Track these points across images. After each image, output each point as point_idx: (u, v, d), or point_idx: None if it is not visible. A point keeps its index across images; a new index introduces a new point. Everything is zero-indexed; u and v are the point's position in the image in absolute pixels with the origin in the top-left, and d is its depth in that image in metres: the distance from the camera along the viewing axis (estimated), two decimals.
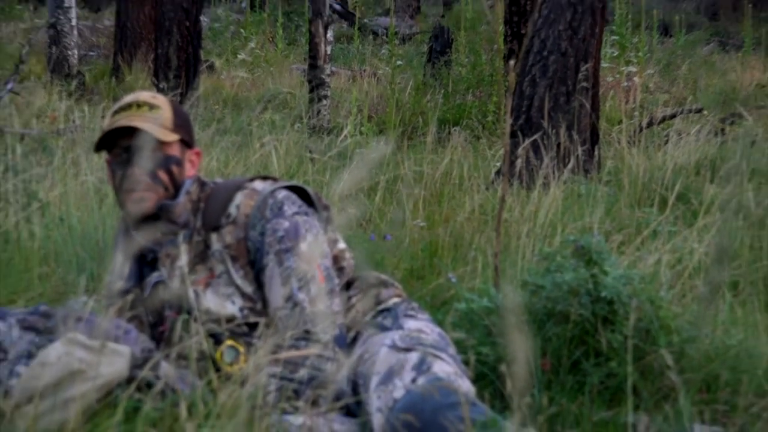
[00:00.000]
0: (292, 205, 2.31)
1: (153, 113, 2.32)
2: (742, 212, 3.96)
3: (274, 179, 2.41)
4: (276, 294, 2.23)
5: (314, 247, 2.27)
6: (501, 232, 2.84)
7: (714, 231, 3.41)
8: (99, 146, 2.36)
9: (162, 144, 2.31)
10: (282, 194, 2.32)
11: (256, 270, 2.28)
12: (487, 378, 2.31)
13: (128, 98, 2.38)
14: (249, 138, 5.58)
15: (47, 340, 2.10)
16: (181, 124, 2.39)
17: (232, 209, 2.31)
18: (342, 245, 2.46)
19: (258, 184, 2.36)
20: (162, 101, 2.38)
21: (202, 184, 2.40)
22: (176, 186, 2.35)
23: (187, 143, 2.39)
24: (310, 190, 2.42)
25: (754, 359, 2.41)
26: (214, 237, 2.31)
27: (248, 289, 2.27)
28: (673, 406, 2.14)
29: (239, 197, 2.32)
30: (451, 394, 1.92)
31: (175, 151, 2.35)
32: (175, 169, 2.34)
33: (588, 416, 2.23)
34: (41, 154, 4.47)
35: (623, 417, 2.17)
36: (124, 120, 2.29)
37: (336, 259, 2.41)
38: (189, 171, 2.39)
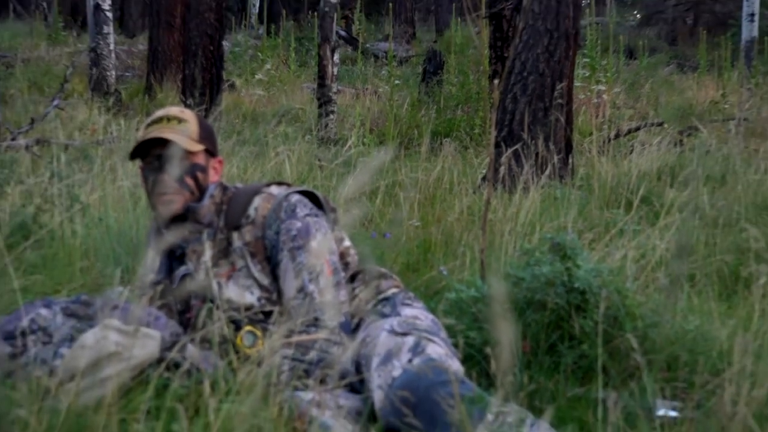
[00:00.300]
0: (304, 208, 2.31)
1: (181, 126, 2.32)
2: (698, 213, 3.96)
3: (288, 185, 2.41)
4: (289, 286, 2.23)
5: (323, 245, 2.27)
6: (486, 231, 2.83)
7: (674, 230, 3.41)
8: (133, 155, 2.36)
9: (189, 153, 2.31)
10: (295, 198, 2.32)
11: (272, 264, 2.28)
12: (475, 359, 2.31)
13: (159, 113, 2.38)
14: (265, 148, 5.58)
15: (87, 326, 2.10)
16: (206, 136, 2.38)
17: (251, 211, 2.31)
18: (347, 242, 2.46)
19: (274, 189, 2.35)
20: (189, 115, 2.37)
21: (224, 189, 2.40)
22: (201, 190, 2.34)
23: (211, 152, 2.39)
24: (319, 194, 2.41)
25: (709, 342, 2.41)
26: (235, 235, 2.30)
27: (265, 281, 2.27)
28: (638, 384, 2.13)
29: (257, 200, 2.32)
30: (442, 373, 1.92)
31: (200, 159, 2.35)
32: (200, 175, 2.34)
33: (563, 392, 2.23)
34: (83, 162, 4.48)
35: (594, 393, 2.16)
36: (156, 132, 2.29)
37: (342, 255, 2.41)
38: (213, 177, 2.38)
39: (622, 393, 2.10)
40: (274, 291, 2.27)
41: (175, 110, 2.39)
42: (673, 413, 2.00)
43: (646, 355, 2.22)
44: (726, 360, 2.20)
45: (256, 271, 2.27)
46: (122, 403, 1.80)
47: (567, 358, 2.35)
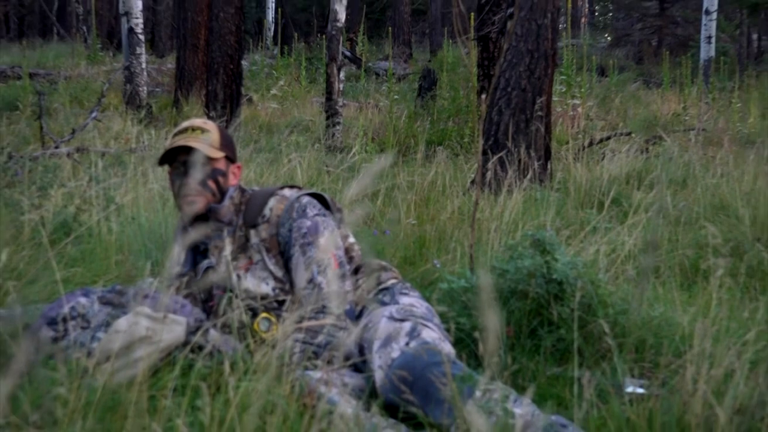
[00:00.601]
0: (313, 208, 2.30)
1: (204, 135, 2.31)
2: (663, 213, 3.96)
3: (299, 188, 2.40)
4: (300, 277, 2.22)
5: (330, 241, 2.26)
6: (475, 228, 2.82)
7: (640, 227, 3.40)
8: (162, 161, 2.35)
9: (210, 159, 2.30)
10: (305, 200, 2.31)
11: (285, 258, 2.27)
12: (464, 342, 2.30)
13: (185, 123, 2.38)
14: (279, 155, 5.57)
15: (121, 313, 2.10)
16: (226, 144, 2.38)
17: (267, 211, 2.30)
18: (351, 239, 2.45)
19: (286, 192, 2.35)
20: (211, 126, 2.37)
21: (242, 191, 2.39)
22: (222, 192, 2.34)
23: (230, 159, 2.38)
24: (327, 196, 2.41)
25: (673, 327, 2.40)
26: (252, 233, 2.30)
27: (279, 273, 2.26)
28: (609, 364, 2.13)
29: (272, 202, 2.31)
30: (436, 355, 1.91)
31: (221, 165, 2.34)
32: (221, 179, 2.33)
33: (543, 372, 2.23)
34: (117, 167, 4.47)
35: (570, 372, 2.16)
36: (182, 141, 2.29)
37: (347, 250, 2.40)
38: (232, 180, 2.38)
39: (596, 372, 2.09)
40: (286, 282, 2.27)
41: (198, 121, 2.38)
42: (640, 390, 1.99)
43: (616, 339, 2.22)
44: (687, 343, 2.19)
45: (271, 264, 2.27)
46: (152, 382, 1.79)
47: (546, 342, 2.34)
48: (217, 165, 2.32)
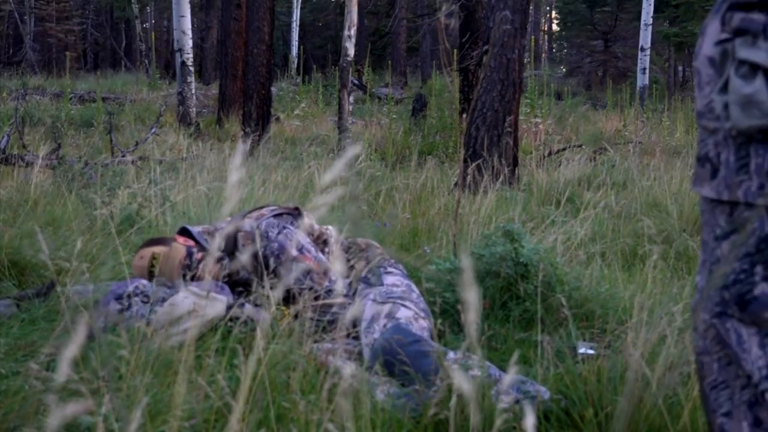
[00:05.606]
0: (273, 229, 2.23)
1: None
2: (607, 209, 3.93)
3: (252, 210, 2.33)
4: (290, 282, 2.11)
5: (297, 247, 2.20)
6: (457, 221, 2.80)
7: (590, 221, 3.38)
8: None
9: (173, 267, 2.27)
10: (263, 226, 2.24)
11: (270, 270, 2.22)
12: (449, 313, 2.28)
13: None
14: (301, 162, 5.54)
15: (174, 291, 2.08)
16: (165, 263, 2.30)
17: (240, 246, 2.25)
18: (316, 226, 2.37)
19: (246, 226, 2.27)
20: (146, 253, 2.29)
21: (200, 246, 2.34)
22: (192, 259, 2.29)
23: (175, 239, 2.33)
24: (279, 208, 2.33)
25: (616, 301, 2.38)
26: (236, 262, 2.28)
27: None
28: (565, 330, 2.11)
29: (240, 239, 2.26)
30: (409, 336, 1.85)
31: (180, 255, 2.29)
32: (193, 257, 2.28)
33: (512, 336, 2.20)
34: (172, 172, 4.44)
35: (534, 337, 2.13)
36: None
37: (317, 238, 2.34)
38: (182, 251, 2.31)
39: (554, 337, 2.07)
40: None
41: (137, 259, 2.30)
42: (591, 351, 1.97)
43: (571, 310, 2.19)
44: (628, 313, 2.17)
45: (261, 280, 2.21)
46: (198, 345, 1.77)
47: (515, 312, 2.32)
48: (181, 260, 2.25)
